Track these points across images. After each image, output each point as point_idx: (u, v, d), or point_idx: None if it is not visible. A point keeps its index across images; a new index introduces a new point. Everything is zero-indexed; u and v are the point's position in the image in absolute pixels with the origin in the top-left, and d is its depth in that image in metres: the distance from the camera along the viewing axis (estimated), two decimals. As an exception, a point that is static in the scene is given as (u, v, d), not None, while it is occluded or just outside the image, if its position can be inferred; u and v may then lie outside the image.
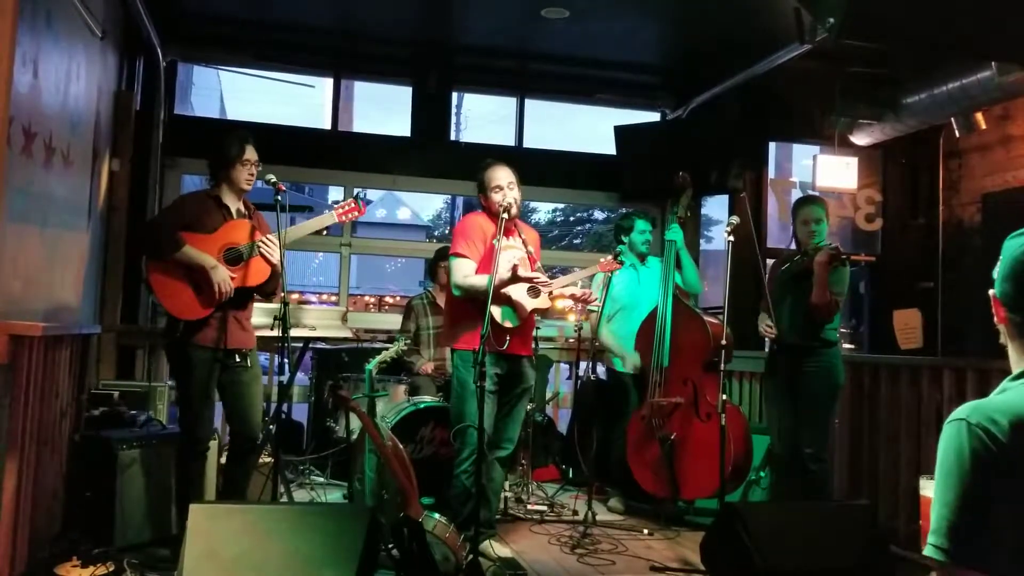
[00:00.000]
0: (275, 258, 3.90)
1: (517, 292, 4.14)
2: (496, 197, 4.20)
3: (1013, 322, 1.55)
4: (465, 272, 4.16)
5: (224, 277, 3.79)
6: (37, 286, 3.78)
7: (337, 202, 4.25)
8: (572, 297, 4.40)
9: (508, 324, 4.12)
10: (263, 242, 3.89)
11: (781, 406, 4.65)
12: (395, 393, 5.30)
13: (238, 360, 3.92)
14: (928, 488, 2.55)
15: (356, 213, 4.17)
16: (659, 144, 6.98)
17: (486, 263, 4.14)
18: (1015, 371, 1.55)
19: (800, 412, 4.53)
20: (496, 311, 3.94)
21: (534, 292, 4.21)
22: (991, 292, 1.60)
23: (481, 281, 4.08)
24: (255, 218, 4.05)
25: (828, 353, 4.52)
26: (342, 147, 7.25)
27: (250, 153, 3.95)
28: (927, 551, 1.46)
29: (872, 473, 5.05)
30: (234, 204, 3.98)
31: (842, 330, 4.90)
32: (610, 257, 4.75)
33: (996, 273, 1.59)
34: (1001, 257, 1.58)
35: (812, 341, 4.52)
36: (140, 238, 4.21)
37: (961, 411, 1.47)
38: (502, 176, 4.25)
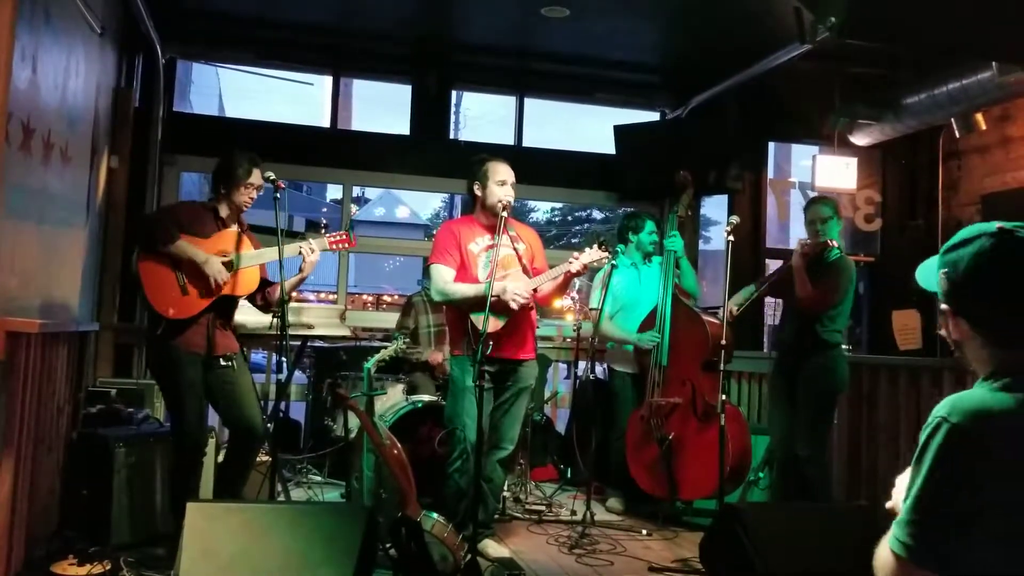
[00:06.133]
0: (311, 259, 3.94)
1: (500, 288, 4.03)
2: (500, 191, 4.16)
3: (980, 333, 1.51)
4: (445, 279, 4.15)
5: (219, 269, 3.78)
6: (34, 283, 3.77)
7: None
8: (568, 275, 4.10)
9: (497, 325, 4.08)
10: (308, 247, 3.93)
11: (780, 408, 4.65)
12: (393, 392, 5.29)
13: (223, 363, 3.89)
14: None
15: (346, 245, 4.17)
16: (658, 144, 6.96)
17: (463, 270, 4.16)
18: (985, 374, 1.51)
19: (796, 414, 4.54)
20: (480, 318, 3.89)
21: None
22: (944, 307, 1.56)
23: (459, 288, 4.11)
24: (246, 234, 4.05)
25: (828, 355, 4.51)
26: (341, 145, 7.23)
27: (256, 177, 3.94)
28: (889, 542, 1.43)
29: (871, 474, 5.05)
30: (230, 219, 3.98)
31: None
32: (596, 247, 4.19)
33: (942, 287, 1.54)
34: (947, 271, 1.52)
35: (810, 342, 4.51)
36: (134, 230, 4.20)
37: (942, 408, 1.44)
38: (505, 171, 4.21)
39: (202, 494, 4.11)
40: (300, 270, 4.02)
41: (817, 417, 4.51)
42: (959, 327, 1.54)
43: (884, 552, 1.45)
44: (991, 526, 1.37)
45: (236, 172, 3.91)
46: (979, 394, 1.47)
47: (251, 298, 4.05)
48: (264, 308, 4.11)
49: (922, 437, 1.45)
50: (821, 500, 4.42)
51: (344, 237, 4.15)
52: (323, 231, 4.13)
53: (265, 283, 4.03)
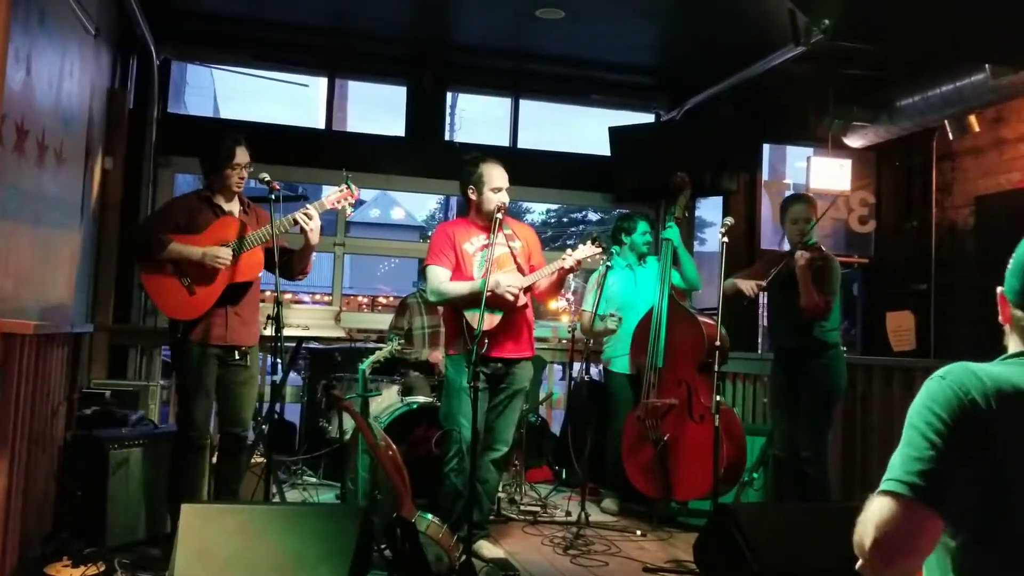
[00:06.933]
0: (311, 225, 3.89)
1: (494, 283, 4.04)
2: (495, 198, 4.16)
3: (1017, 319, 1.51)
4: (440, 279, 4.16)
5: (216, 252, 3.78)
6: (29, 284, 3.76)
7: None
8: (562, 271, 4.09)
9: (493, 321, 4.09)
10: (303, 215, 3.88)
11: (781, 409, 4.66)
12: (388, 393, 5.29)
13: (237, 358, 3.92)
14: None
15: (350, 198, 4.08)
16: (653, 145, 6.98)
17: (459, 271, 4.18)
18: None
19: (797, 415, 4.54)
20: (475, 316, 3.90)
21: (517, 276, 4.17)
22: (999, 290, 1.56)
23: (454, 287, 4.13)
24: (252, 211, 4.04)
25: (827, 355, 4.52)
26: (336, 146, 7.22)
27: (240, 156, 3.93)
28: (885, 486, 1.38)
29: (865, 475, 5.05)
30: (226, 204, 3.98)
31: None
32: (589, 243, 4.20)
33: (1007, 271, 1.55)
34: (1015, 254, 1.53)
35: (808, 343, 4.52)
36: (128, 242, 4.20)
37: (941, 371, 1.44)
38: (500, 176, 4.21)
39: (199, 496, 4.11)
40: (304, 240, 3.95)
41: (819, 418, 4.52)
42: (1005, 310, 1.55)
43: (874, 507, 1.39)
44: (969, 475, 1.36)
45: (220, 155, 3.91)
46: (981, 364, 1.47)
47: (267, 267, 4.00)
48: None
49: (917, 398, 1.46)
50: (820, 500, 4.43)
51: (346, 191, 4.05)
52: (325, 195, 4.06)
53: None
